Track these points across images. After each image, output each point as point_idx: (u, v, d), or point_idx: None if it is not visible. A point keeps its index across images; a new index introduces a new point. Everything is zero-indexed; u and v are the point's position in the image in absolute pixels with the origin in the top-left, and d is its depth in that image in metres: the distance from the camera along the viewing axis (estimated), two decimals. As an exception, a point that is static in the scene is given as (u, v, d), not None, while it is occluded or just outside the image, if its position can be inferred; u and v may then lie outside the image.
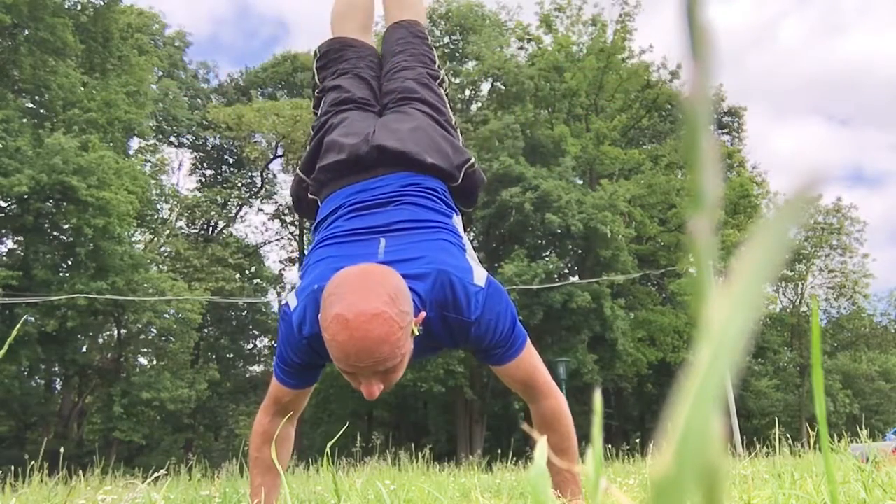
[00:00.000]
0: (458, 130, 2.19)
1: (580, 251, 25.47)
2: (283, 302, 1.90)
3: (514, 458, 7.49)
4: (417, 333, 1.64)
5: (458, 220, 2.03)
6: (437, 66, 2.38)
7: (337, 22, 2.51)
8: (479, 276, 1.81)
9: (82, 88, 20.86)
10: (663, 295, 27.21)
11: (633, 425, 28.16)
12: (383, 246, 1.81)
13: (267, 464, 1.93)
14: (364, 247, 1.82)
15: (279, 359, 1.90)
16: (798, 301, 35.78)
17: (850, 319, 36.18)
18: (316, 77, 2.41)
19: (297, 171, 2.11)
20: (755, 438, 7.78)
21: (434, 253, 1.80)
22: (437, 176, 2.02)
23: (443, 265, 1.76)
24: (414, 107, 2.24)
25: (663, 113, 31.05)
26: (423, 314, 1.66)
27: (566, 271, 25.46)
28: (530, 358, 1.90)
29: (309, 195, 2.10)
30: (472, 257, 1.90)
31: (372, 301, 1.52)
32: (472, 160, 2.09)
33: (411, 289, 1.66)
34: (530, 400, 1.94)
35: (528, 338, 1.91)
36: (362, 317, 1.50)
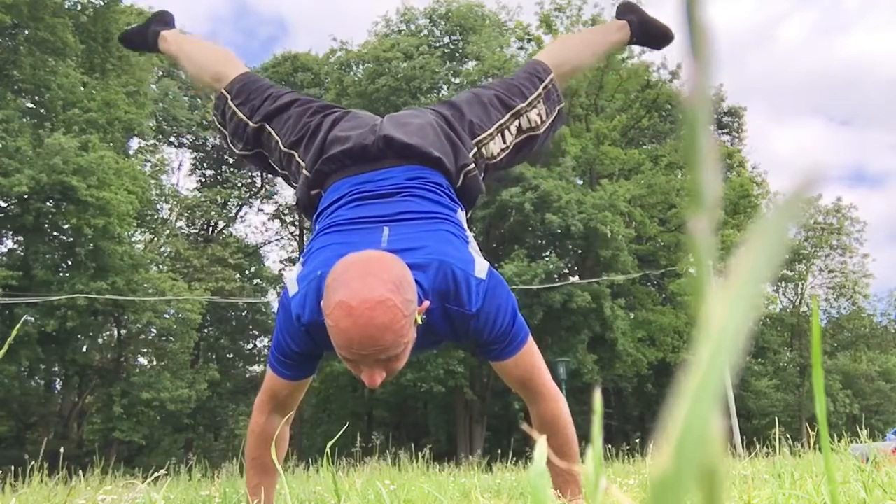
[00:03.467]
0: (468, 147, 2.12)
1: (580, 251, 25.47)
2: (283, 288, 1.85)
3: (514, 459, 7.48)
4: (420, 323, 1.62)
5: (462, 215, 2.00)
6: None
7: (219, 68, 2.37)
8: (481, 268, 1.78)
9: (82, 88, 20.86)
10: (663, 295, 27.20)
11: (633, 425, 28.14)
12: (386, 234, 1.78)
13: (265, 463, 1.92)
14: (367, 234, 1.79)
15: (276, 348, 1.86)
16: (798, 301, 35.77)
17: (850, 319, 36.17)
18: (239, 113, 2.22)
19: (304, 171, 2.05)
20: (755, 438, 7.77)
21: (436, 243, 1.77)
22: (441, 172, 1.99)
23: (445, 256, 1.74)
24: (426, 108, 2.25)
25: (663, 113, 31.02)
26: (426, 303, 1.64)
27: (566, 271, 25.46)
28: (531, 356, 1.86)
29: (311, 192, 2.05)
30: (474, 249, 1.88)
31: (376, 288, 1.50)
32: (473, 166, 2.06)
33: (414, 278, 1.63)
34: (529, 401, 1.90)
35: (529, 335, 1.88)
36: (366, 304, 1.48)
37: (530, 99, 2.26)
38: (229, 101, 2.25)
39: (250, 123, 2.20)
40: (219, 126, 2.34)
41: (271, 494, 1.95)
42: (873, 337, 35.71)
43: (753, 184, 31.97)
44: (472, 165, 2.06)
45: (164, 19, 2.62)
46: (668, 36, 2.61)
